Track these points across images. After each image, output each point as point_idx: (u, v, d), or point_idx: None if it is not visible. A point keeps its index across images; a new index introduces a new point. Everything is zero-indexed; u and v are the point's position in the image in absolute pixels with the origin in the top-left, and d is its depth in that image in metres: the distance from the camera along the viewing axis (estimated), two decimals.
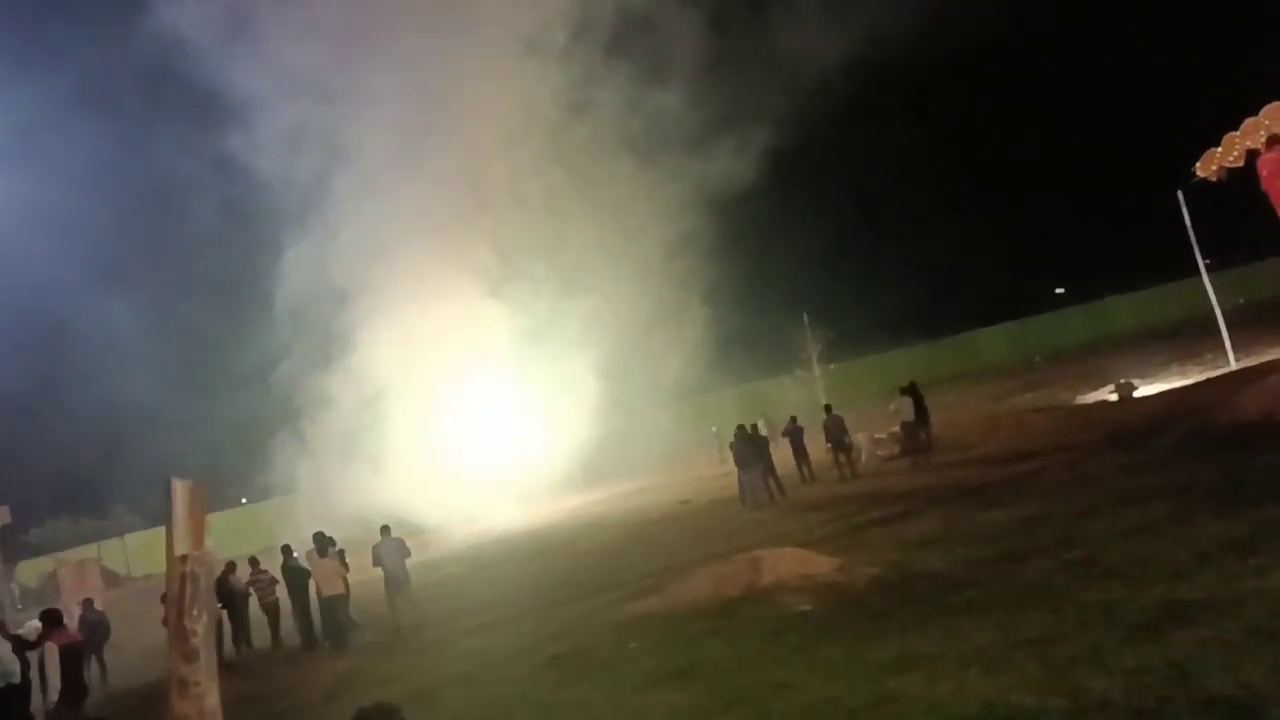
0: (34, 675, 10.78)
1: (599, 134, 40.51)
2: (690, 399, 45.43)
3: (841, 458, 23.53)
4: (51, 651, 10.49)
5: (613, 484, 36.05)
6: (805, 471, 24.19)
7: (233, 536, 31.52)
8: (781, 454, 24.24)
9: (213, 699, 1.72)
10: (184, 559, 1.78)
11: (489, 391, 38.23)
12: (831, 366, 45.35)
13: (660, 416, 41.00)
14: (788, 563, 12.04)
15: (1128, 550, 9.66)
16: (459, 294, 37.88)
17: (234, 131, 38.62)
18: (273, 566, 19.02)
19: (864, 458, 24.40)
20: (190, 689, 1.84)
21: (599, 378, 38.10)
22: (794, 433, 24.59)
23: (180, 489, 1.84)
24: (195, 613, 2.04)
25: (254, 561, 19.21)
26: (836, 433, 23.64)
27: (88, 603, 19.15)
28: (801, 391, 41.43)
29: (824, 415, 24.32)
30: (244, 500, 50.22)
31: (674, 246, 40.24)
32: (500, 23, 39.67)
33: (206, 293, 45.63)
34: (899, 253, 62.65)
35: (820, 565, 11.87)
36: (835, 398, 30.10)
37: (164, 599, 11.16)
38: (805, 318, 44.15)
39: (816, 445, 24.56)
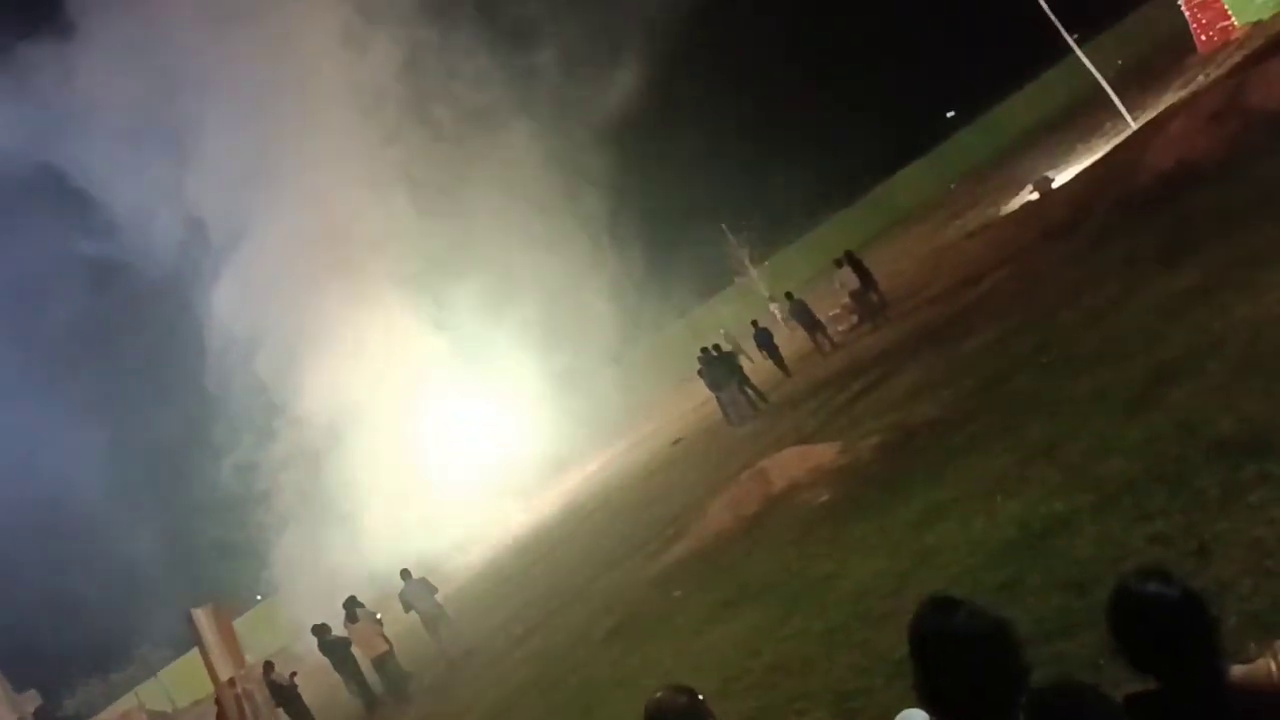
0: None
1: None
2: (643, 344, 45.53)
3: (819, 336, 24.14)
4: None
5: (601, 450, 36.09)
6: (783, 367, 24.51)
7: (255, 636, 31.10)
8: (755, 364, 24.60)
9: None
10: (231, 682, 1.70)
11: (443, 405, 37.84)
12: (766, 264, 45.53)
13: (622, 369, 41.07)
14: (793, 463, 12.16)
15: (1100, 334, 9.85)
16: (378, 319, 37.32)
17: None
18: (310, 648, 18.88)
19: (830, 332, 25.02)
20: None
21: (546, 352, 37.98)
22: (761, 335, 25.09)
23: (203, 616, 1.77)
24: None
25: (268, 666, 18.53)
26: (805, 316, 24.25)
27: None
28: (746, 298, 41.61)
29: (788, 303, 25.12)
30: (259, 596, 49.76)
31: (576, 206, 40.06)
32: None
33: (132, 405, 44.62)
34: (788, 135, 62.68)
35: (824, 454, 12.00)
36: (780, 290, 30.47)
37: None
38: (724, 227, 44.23)
39: (782, 337, 25.27)
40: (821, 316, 25.49)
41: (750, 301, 39.73)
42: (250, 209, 37.85)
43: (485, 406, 38.31)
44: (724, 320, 38.73)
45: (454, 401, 37.94)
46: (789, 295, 25.73)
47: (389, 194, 39.36)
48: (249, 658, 15.87)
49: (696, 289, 47.73)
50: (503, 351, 38.24)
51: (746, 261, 43.85)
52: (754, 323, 26.51)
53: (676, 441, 25.97)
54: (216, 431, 38.26)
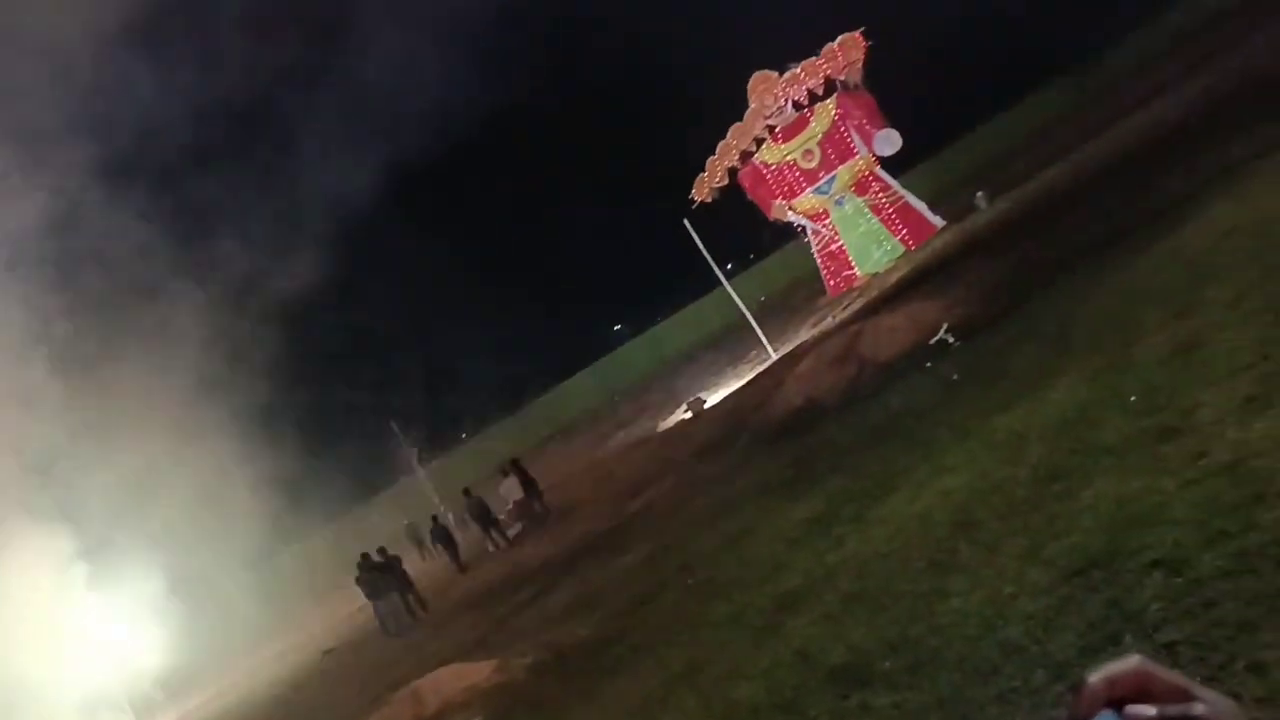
0: None
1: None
2: (302, 545, 43.37)
3: (494, 533, 24.31)
4: None
5: (247, 659, 33.49)
6: (457, 564, 24.39)
7: None
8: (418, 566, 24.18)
9: None
10: None
11: (56, 609, 33.60)
12: (434, 464, 45.33)
13: (268, 573, 38.76)
14: (448, 681, 11.96)
15: (736, 558, 10.64)
16: None
17: None
18: None
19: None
20: None
21: (182, 553, 35.19)
22: (438, 531, 25.11)
23: None
24: None
25: None
26: (482, 513, 24.43)
27: None
28: (409, 500, 41.00)
29: (465, 500, 25.38)
30: None
31: (233, 394, 38.42)
32: None
33: None
34: (462, 338, 64.31)
35: (479, 672, 11.91)
36: (447, 492, 30.48)
37: None
38: (394, 425, 43.83)
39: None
40: None
41: (413, 503, 39.10)
42: None
43: (107, 612, 34.57)
44: (378, 527, 37.64)
45: (69, 606, 33.93)
46: (466, 491, 25.93)
47: (23, 361, 35.78)
48: None
49: (355, 491, 46.47)
50: (131, 550, 35.02)
51: (415, 461, 43.44)
52: (434, 517, 26.74)
53: (328, 651, 24.70)
54: None
